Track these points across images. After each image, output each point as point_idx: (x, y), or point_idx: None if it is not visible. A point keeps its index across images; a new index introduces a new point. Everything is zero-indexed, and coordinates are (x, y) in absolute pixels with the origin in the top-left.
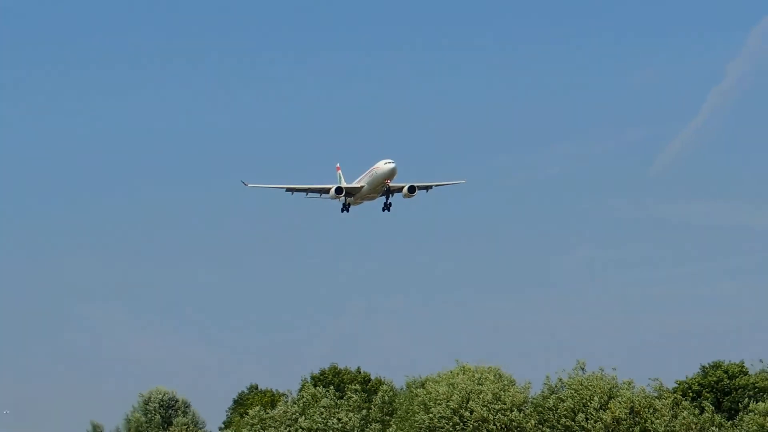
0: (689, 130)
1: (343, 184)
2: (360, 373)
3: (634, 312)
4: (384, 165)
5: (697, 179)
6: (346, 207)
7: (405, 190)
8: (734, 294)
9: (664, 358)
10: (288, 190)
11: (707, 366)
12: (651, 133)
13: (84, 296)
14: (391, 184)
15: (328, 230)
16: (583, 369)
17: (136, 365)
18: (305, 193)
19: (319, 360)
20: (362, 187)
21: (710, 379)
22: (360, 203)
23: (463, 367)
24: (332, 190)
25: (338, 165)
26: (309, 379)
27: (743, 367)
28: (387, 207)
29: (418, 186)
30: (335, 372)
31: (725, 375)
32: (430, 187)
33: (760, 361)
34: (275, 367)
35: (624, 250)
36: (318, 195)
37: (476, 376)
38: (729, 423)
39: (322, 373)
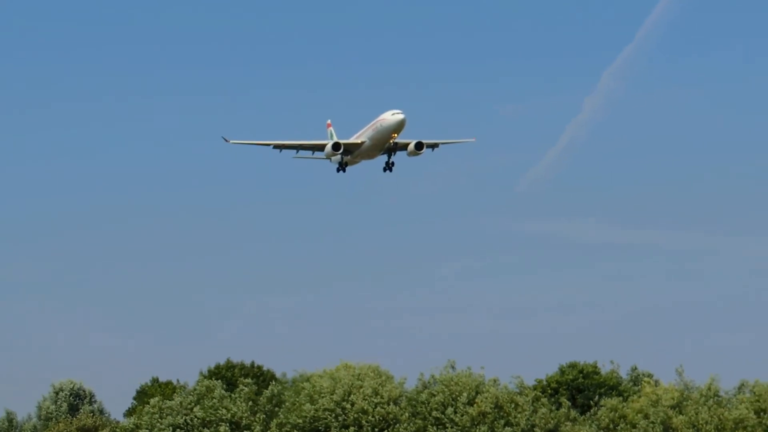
0: (550, 155)
1: (342, 140)
2: (253, 367)
3: (500, 316)
4: (391, 116)
5: (557, 198)
6: (342, 166)
7: (411, 146)
8: (589, 301)
9: (526, 358)
10: (276, 147)
11: (564, 366)
12: (518, 159)
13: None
14: (397, 140)
15: None
16: (453, 367)
17: (49, 356)
18: (295, 151)
19: (218, 354)
20: (363, 143)
21: (567, 377)
22: (357, 162)
23: (346, 364)
24: (329, 147)
25: (329, 122)
26: (206, 372)
27: (596, 367)
28: (389, 167)
29: (426, 143)
30: (230, 366)
31: (580, 374)
32: (437, 145)
33: (611, 362)
34: (177, 361)
35: (492, 261)
36: (311, 153)
37: (357, 372)
38: (582, 417)
39: (218, 366)
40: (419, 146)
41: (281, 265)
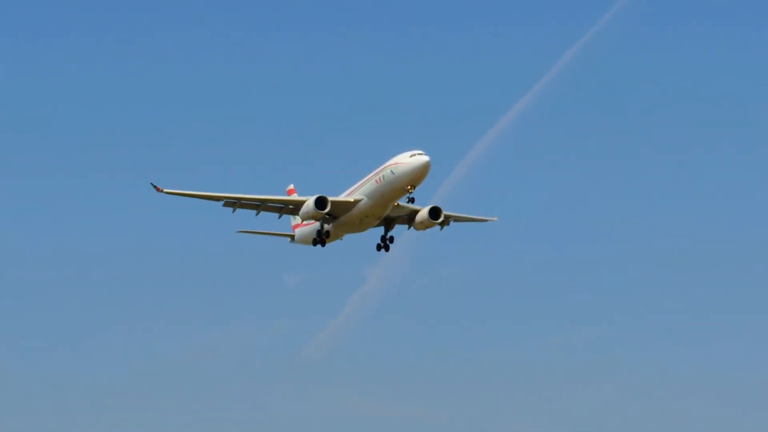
0: None
1: (330, 197)
2: None
3: None
4: (410, 159)
5: None
6: (321, 236)
7: (423, 214)
8: None
9: None
10: (228, 203)
11: None
12: None
13: None
14: (402, 202)
15: None
16: None
17: None
18: (255, 212)
19: None
20: (358, 202)
21: None
22: (340, 236)
23: None
24: (309, 203)
25: (292, 186)
26: None
27: None
28: (386, 243)
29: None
30: None
31: None
32: (448, 220)
33: None
34: None
35: None
36: (278, 215)
37: None
38: None
39: None
40: (435, 214)
41: None
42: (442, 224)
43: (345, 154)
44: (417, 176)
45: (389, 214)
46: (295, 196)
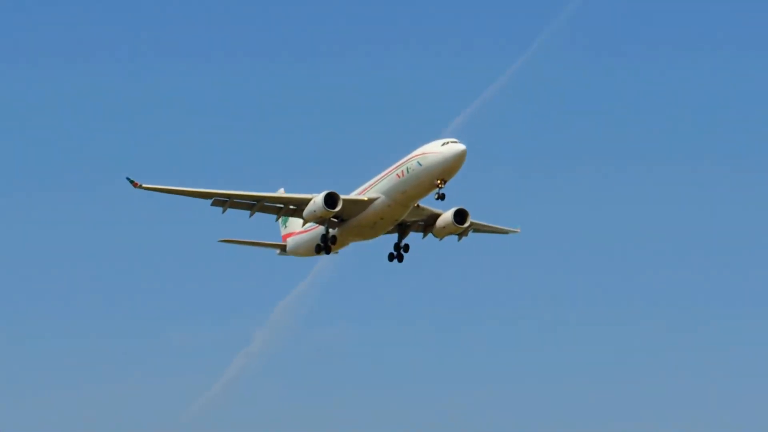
0: None
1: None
2: None
3: None
4: (443, 148)
5: None
6: (326, 243)
7: (447, 217)
8: None
9: None
10: (218, 201)
11: None
12: None
13: None
14: (421, 206)
15: None
16: None
17: None
18: (249, 212)
19: None
20: (375, 200)
21: None
22: (346, 243)
23: None
24: (317, 200)
25: (282, 191)
26: None
27: None
28: (399, 253)
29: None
30: None
31: None
32: (467, 230)
33: None
34: None
35: None
36: (276, 216)
37: None
38: None
39: None
40: (461, 218)
41: None
42: (461, 234)
43: (346, 153)
44: (450, 168)
45: (406, 218)
46: (298, 194)
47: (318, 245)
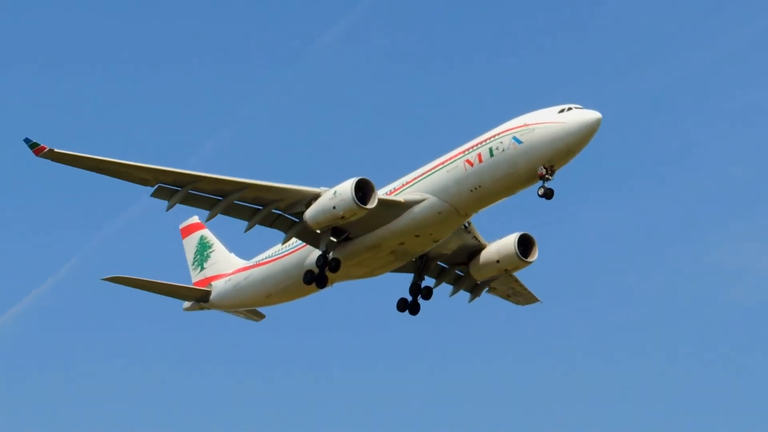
0: None
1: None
2: None
3: None
4: (565, 116)
5: None
6: (324, 268)
7: (510, 244)
8: None
9: None
10: (162, 189)
11: None
12: None
13: None
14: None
15: None
16: None
17: None
18: (208, 212)
19: None
20: (418, 202)
21: None
22: (333, 282)
23: None
24: (344, 191)
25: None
26: None
27: None
28: (416, 298)
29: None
30: None
31: None
32: (479, 290)
33: None
34: None
35: None
36: (247, 222)
37: None
38: None
39: None
40: (525, 247)
41: None
42: (474, 293)
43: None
44: (575, 145)
45: (437, 249)
46: (293, 185)
47: (308, 273)
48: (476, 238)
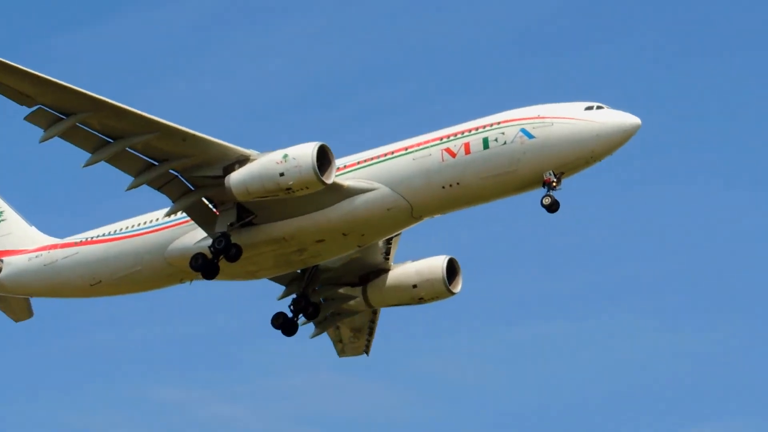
0: None
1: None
2: None
3: None
4: (593, 114)
5: None
6: (220, 253)
7: (437, 266)
8: None
9: None
10: (42, 111)
11: None
12: None
13: None
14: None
15: None
16: None
17: None
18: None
19: None
20: (363, 192)
21: None
22: (225, 276)
23: None
24: (303, 156)
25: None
26: None
27: None
28: (295, 317)
29: None
30: None
31: None
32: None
33: None
34: None
35: None
36: (157, 179)
37: None
38: None
39: None
40: (451, 275)
41: None
42: (322, 326)
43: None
44: (602, 151)
45: (349, 258)
46: (222, 141)
47: (198, 257)
48: (386, 255)
